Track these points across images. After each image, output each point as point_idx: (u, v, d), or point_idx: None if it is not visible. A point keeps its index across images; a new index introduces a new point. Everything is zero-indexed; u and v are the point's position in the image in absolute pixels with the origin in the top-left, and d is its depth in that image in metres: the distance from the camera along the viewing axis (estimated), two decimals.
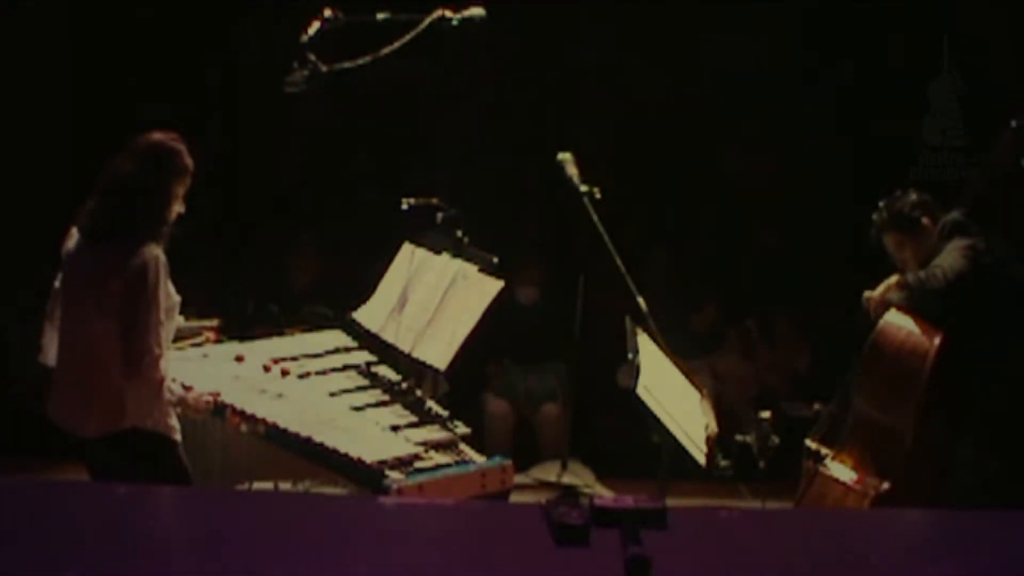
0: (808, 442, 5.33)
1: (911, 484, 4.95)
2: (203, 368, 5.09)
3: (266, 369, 5.16)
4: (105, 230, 4.62)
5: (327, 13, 5.17)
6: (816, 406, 5.49)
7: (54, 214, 4.87)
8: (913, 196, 5.33)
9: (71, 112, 7.46)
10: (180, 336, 5.04)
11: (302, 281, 7.56)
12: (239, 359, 5.21)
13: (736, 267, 7.84)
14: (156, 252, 4.57)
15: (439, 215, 5.41)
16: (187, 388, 4.80)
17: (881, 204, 5.37)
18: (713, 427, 4.91)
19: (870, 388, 5.12)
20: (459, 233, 5.35)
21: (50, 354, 4.80)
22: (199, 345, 5.30)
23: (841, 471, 5.13)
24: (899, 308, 5.12)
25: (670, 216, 7.85)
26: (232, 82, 7.63)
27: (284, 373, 5.16)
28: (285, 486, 4.87)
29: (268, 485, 4.90)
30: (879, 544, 2.96)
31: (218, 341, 5.35)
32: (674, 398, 4.85)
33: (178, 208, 4.70)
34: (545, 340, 7.22)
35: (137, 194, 4.62)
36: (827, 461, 5.18)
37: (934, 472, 5.02)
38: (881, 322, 5.12)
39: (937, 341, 4.98)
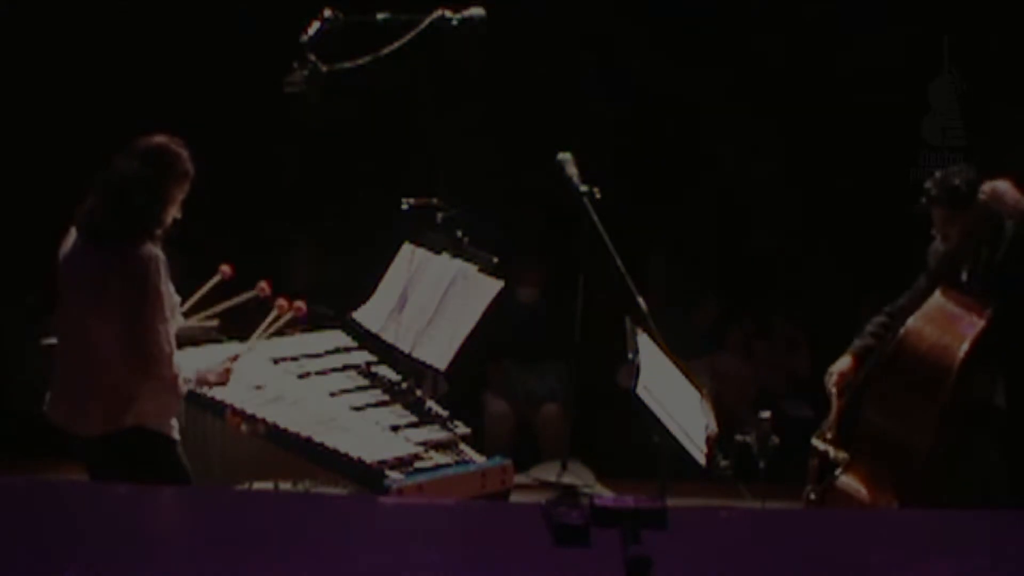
0: (815, 441, 5.30)
1: (923, 499, 4.88)
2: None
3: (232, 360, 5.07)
4: (103, 229, 4.61)
5: (327, 13, 5.17)
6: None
7: (54, 214, 4.87)
8: (970, 172, 5.13)
9: (71, 111, 7.45)
10: (181, 336, 5.03)
11: (302, 281, 7.54)
12: (233, 359, 5.17)
13: (736, 267, 7.83)
14: (155, 251, 4.57)
15: (439, 215, 5.40)
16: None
17: (937, 174, 5.17)
18: (713, 427, 4.90)
19: (886, 399, 5.01)
20: (459, 233, 5.35)
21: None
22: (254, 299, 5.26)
23: (852, 486, 5.06)
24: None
25: (670, 216, 7.84)
26: (232, 82, 7.62)
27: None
28: (285, 486, 4.86)
29: (268, 485, 4.90)
30: (879, 544, 2.96)
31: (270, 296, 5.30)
32: (674, 398, 4.85)
33: (175, 213, 4.69)
34: (545, 340, 7.21)
35: (136, 194, 4.61)
36: (838, 474, 5.12)
37: (945, 485, 4.94)
38: (902, 331, 5.02)
39: (962, 354, 4.86)
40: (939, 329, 4.96)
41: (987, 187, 4.95)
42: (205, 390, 4.93)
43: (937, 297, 5.05)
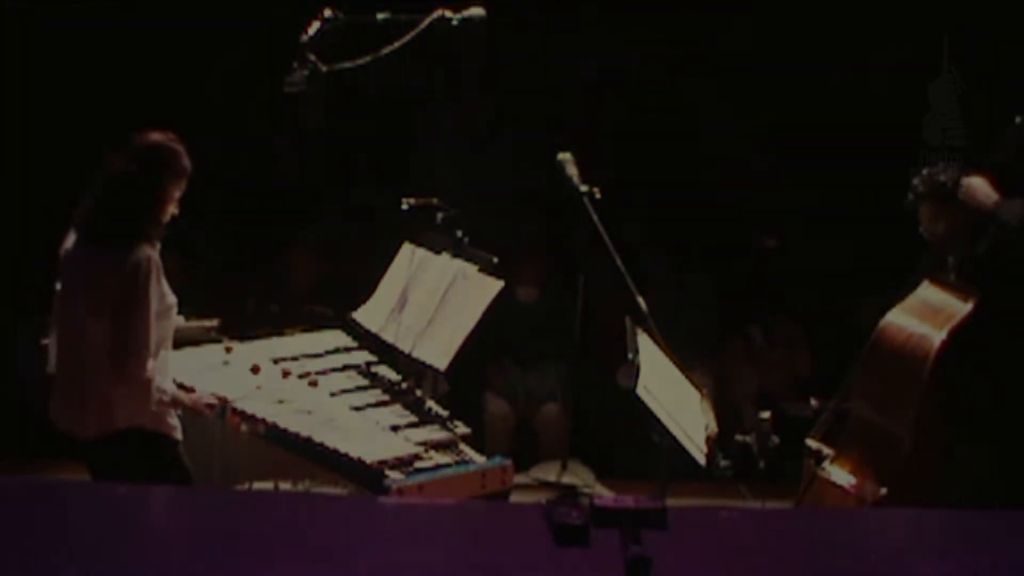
0: (809, 441, 5.32)
1: (910, 489, 4.92)
2: (219, 374, 5.10)
3: (255, 371, 5.14)
4: (100, 230, 4.61)
5: (327, 13, 5.17)
6: (814, 402, 5.47)
7: (54, 214, 4.87)
8: (956, 170, 5.17)
9: (71, 111, 7.45)
10: (181, 338, 5.02)
11: (302, 281, 7.55)
12: (255, 370, 5.18)
13: (736, 267, 7.83)
14: (149, 252, 4.55)
15: (439, 215, 5.41)
16: (189, 389, 4.80)
17: (924, 171, 5.24)
18: (713, 427, 4.91)
19: (869, 390, 5.09)
20: (459, 233, 5.35)
21: (55, 362, 4.79)
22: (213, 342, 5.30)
23: (839, 475, 5.11)
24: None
25: (670, 215, 7.84)
26: (232, 82, 7.62)
27: (285, 374, 5.16)
28: (285, 486, 4.87)
29: (268, 485, 4.91)
30: (879, 544, 2.96)
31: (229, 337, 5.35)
32: (674, 398, 4.85)
33: (172, 210, 4.68)
34: (545, 340, 7.21)
35: (133, 195, 4.60)
36: (825, 464, 5.15)
37: (934, 477, 4.97)
38: (882, 323, 5.08)
39: (938, 343, 4.93)
40: (917, 319, 5.00)
41: (964, 183, 5.00)
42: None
43: (921, 289, 5.10)
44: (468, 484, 4.62)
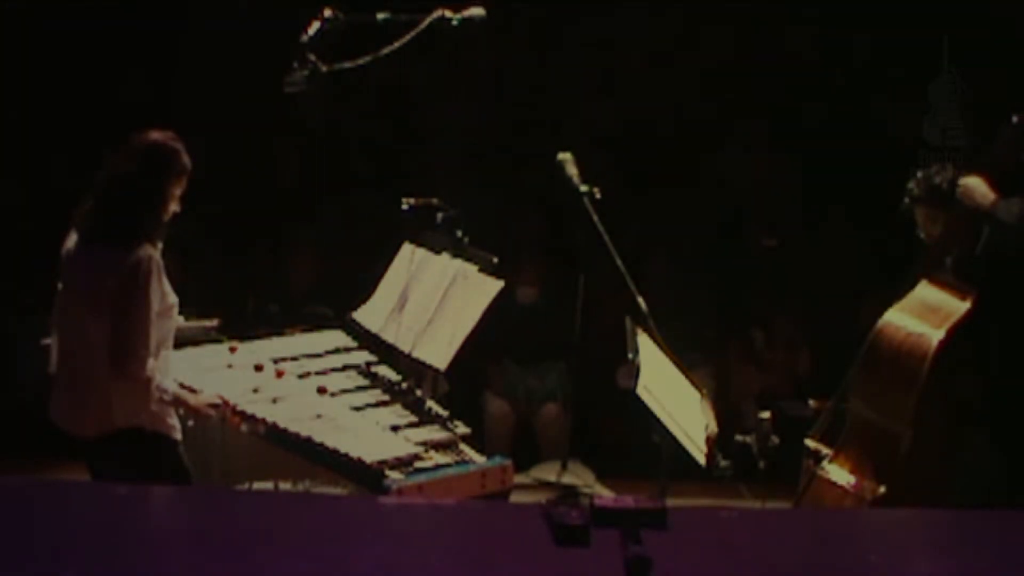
0: (808, 441, 5.32)
1: (909, 488, 4.93)
2: (221, 374, 5.10)
3: (259, 369, 5.15)
4: (101, 230, 4.61)
5: (327, 13, 5.17)
6: (812, 403, 5.48)
7: (54, 214, 4.87)
8: (951, 172, 5.22)
9: (71, 111, 7.46)
10: (182, 338, 5.02)
11: (302, 281, 7.55)
12: (260, 368, 5.18)
13: (736, 267, 7.83)
14: (150, 252, 4.55)
15: (439, 215, 5.40)
16: (192, 390, 4.80)
17: (919, 174, 5.29)
18: (713, 427, 4.91)
19: (867, 389, 5.09)
20: (459, 233, 5.35)
21: (56, 362, 4.79)
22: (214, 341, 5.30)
23: (838, 474, 5.12)
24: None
25: (670, 216, 7.84)
26: (232, 82, 7.62)
27: (279, 375, 5.15)
28: (285, 486, 4.86)
29: (268, 485, 4.91)
30: (878, 544, 2.96)
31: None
32: (674, 398, 4.85)
33: (174, 208, 4.69)
34: (545, 340, 7.21)
35: (134, 195, 4.60)
36: (824, 463, 5.16)
37: (933, 476, 4.99)
38: (880, 322, 5.09)
39: (936, 342, 4.94)
40: (916, 319, 5.02)
41: (961, 183, 5.03)
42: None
43: (919, 288, 5.12)
44: (468, 484, 4.62)
